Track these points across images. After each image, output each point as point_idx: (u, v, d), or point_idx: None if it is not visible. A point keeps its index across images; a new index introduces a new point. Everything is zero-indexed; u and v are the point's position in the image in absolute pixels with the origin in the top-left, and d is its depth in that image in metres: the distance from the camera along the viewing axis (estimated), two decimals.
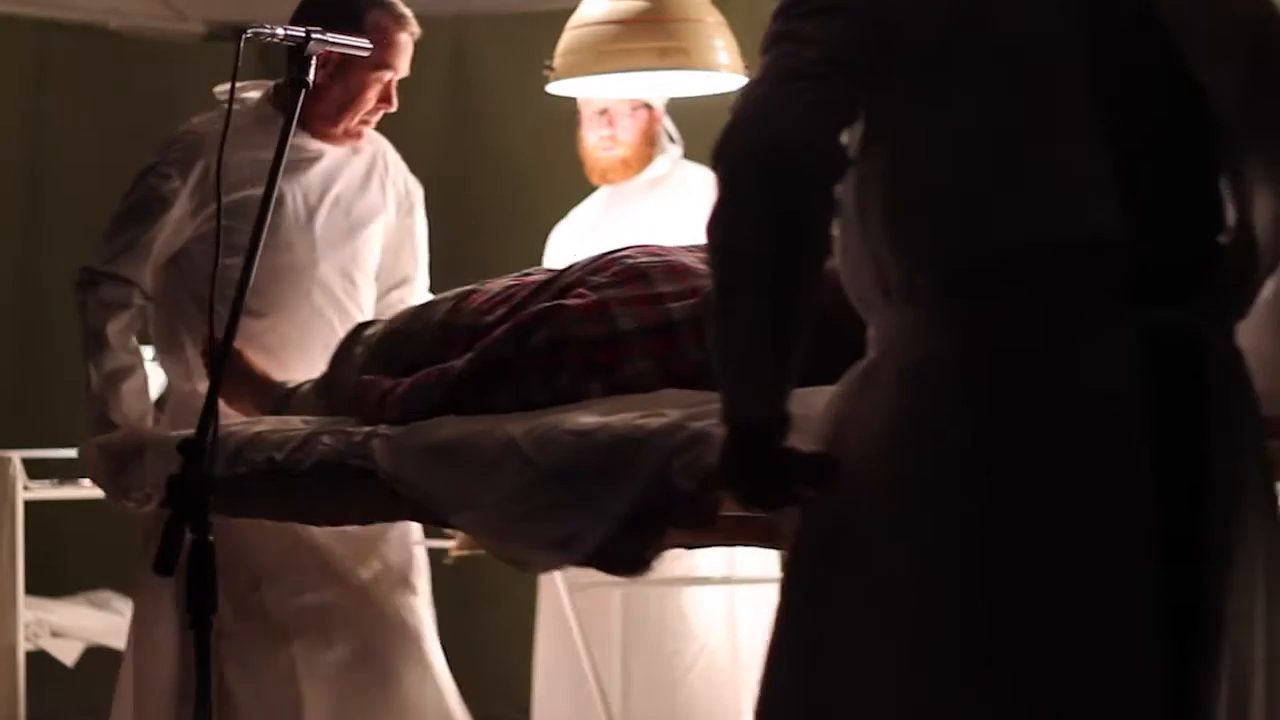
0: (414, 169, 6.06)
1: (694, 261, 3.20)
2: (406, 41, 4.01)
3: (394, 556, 4.14)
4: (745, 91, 2.26)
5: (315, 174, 4.10)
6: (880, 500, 2.25)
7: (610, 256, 3.25)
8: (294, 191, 4.05)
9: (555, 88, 4.69)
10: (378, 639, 4.08)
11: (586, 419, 2.83)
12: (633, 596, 5.05)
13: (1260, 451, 2.34)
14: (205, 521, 2.89)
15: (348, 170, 4.14)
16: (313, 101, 3.93)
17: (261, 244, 3.10)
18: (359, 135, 4.10)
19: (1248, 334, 2.39)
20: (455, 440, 3.00)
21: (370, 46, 3.64)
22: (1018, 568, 2.19)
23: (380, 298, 4.23)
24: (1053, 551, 2.19)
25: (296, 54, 3.45)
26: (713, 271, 2.27)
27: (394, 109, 4.07)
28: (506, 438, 2.89)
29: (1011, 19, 2.24)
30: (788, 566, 2.38)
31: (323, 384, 3.65)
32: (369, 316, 4.02)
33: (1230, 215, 2.27)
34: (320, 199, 4.09)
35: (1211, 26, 2.30)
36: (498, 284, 3.39)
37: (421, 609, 4.16)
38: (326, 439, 3.23)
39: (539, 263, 5.19)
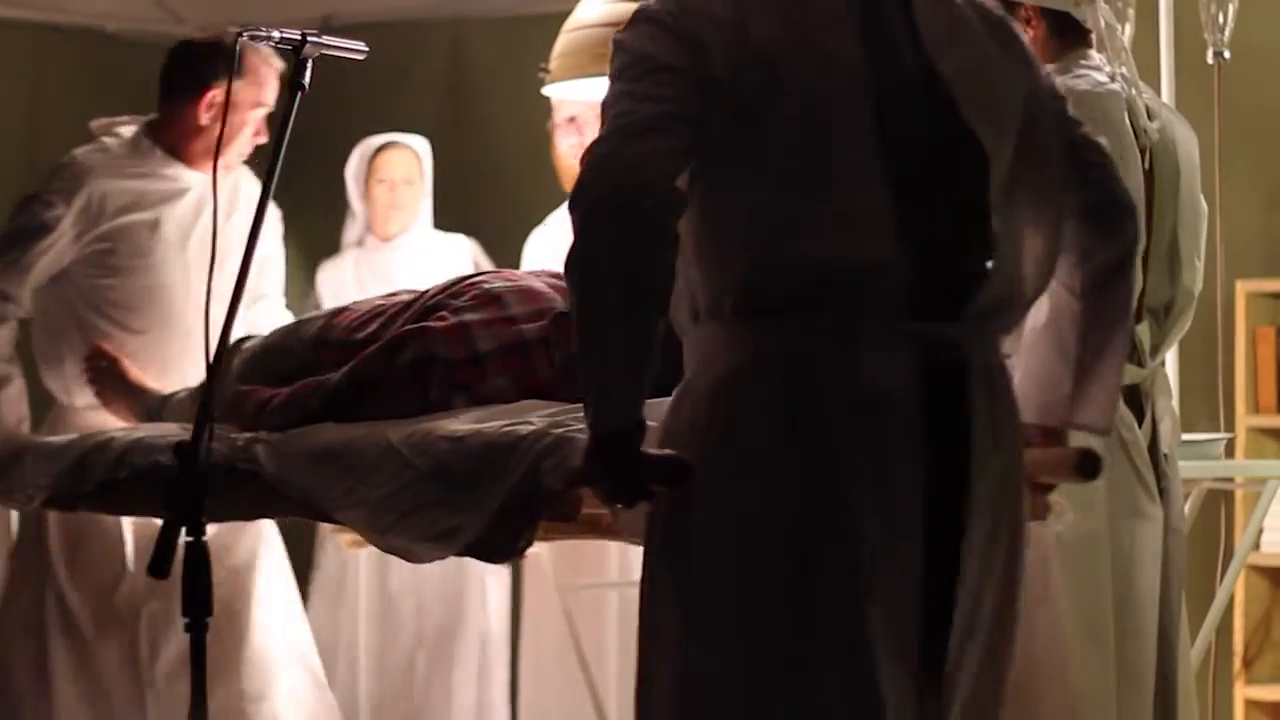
0: None
1: (542, 286, 3.56)
2: (273, 77, 4.33)
3: (240, 561, 4.41)
4: (594, 145, 2.54)
5: (187, 203, 4.37)
6: (698, 502, 2.55)
7: (468, 281, 3.58)
8: (169, 219, 4.34)
9: (550, 90, 4.70)
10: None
11: (459, 426, 3.17)
12: (630, 599, 5.04)
13: (1016, 451, 2.67)
14: (200, 523, 2.92)
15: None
16: (195, 138, 4.37)
17: (252, 267, 3.26)
18: (232, 167, 4.39)
19: (1033, 354, 2.84)
20: (337, 444, 3.29)
21: (365, 49, 3.69)
22: (817, 551, 2.51)
23: None
24: (845, 537, 2.51)
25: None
26: (574, 306, 2.54)
27: (265, 141, 4.34)
28: (385, 442, 3.20)
29: (809, 81, 2.56)
30: (643, 563, 2.66)
31: (199, 392, 3.81)
32: (242, 333, 4.23)
33: (997, 244, 2.60)
34: (192, 226, 4.38)
35: (989, 98, 2.64)
36: (366, 304, 3.71)
37: (261, 612, 4.44)
38: (211, 444, 3.38)
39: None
